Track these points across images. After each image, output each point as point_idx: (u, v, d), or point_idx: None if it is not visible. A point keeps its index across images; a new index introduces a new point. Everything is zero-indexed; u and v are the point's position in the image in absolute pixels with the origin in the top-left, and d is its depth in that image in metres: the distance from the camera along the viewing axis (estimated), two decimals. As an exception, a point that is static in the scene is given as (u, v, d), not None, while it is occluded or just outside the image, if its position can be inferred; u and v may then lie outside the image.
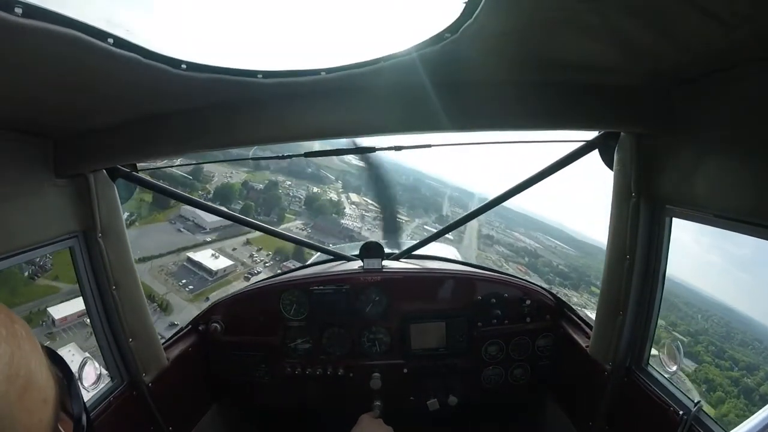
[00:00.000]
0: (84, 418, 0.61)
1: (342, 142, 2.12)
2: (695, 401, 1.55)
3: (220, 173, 39.00)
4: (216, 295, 14.74)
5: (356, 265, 2.59)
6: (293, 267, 2.94)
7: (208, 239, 33.51)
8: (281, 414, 2.84)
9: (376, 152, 2.13)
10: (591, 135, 1.85)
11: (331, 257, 2.87)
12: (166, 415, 2.04)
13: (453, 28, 1.06)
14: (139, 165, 1.97)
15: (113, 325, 1.83)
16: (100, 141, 1.59)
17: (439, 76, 1.38)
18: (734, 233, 1.32)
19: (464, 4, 0.95)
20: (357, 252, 2.60)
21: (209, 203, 2.72)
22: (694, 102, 1.37)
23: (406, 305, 2.45)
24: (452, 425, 2.75)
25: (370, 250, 2.55)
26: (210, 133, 1.56)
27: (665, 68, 1.30)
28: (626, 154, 1.65)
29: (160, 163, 2.30)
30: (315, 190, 42.81)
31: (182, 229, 33.43)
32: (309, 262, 3.14)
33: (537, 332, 2.45)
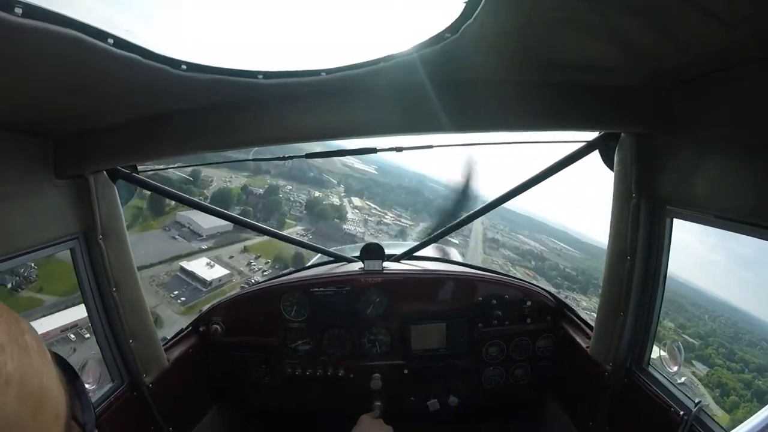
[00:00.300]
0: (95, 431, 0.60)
1: (343, 143, 2.12)
2: (696, 401, 1.55)
3: (219, 178, 37.98)
4: (209, 308, 14.60)
5: (357, 266, 2.59)
6: (293, 269, 2.94)
7: (204, 247, 32.08)
8: (281, 415, 2.84)
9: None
10: (591, 135, 1.85)
11: (332, 259, 2.87)
12: (167, 416, 2.04)
13: (453, 28, 1.06)
14: (140, 167, 1.97)
15: (114, 326, 1.83)
16: (100, 141, 1.58)
17: (440, 76, 1.38)
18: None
19: (464, 4, 0.96)
20: (357, 253, 2.61)
21: (211, 205, 2.72)
22: (694, 102, 1.37)
23: (406, 306, 2.45)
24: (453, 426, 2.74)
25: (371, 252, 2.55)
26: (210, 134, 1.56)
27: (665, 68, 1.30)
28: (626, 154, 1.65)
29: (160, 165, 2.29)
30: (317, 194, 42.11)
31: (177, 237, 31.97)
32: (309, 264, 3.14)
33: (537, 333, 2.45)
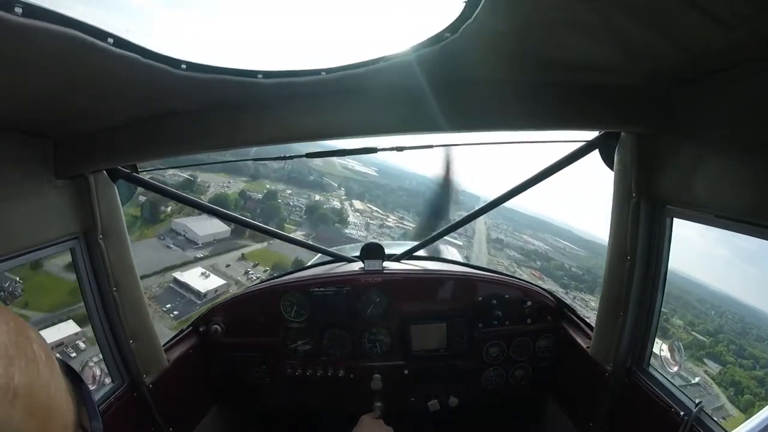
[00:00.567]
0: None
1: (343, 143, 2.12)
2: (696, 402, 1.55)
3: (216, 183, 36.61)
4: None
5: (357, 266, 2.59)
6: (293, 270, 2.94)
7: (200, 255, 30.05)
8: (282, 415, 2.84)
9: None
10: (591, 135, 1.85)
11: (332, 259, 2.87)
12: (167, 417, 2.04)
13: (453, 28, 1.06)
14: (140, 166, 1.97)
15: (114, 326, 1.83)
16: (100, 141, 1.58)
17: (440, 76, 1.38)
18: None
19: (464, 4, 0.95)
20: (357, 253, 2.60)
21: (211, 205, 2.72)
22: (694, 102, 1.37)
23: (406, 306, 2.45)
24: (453, 426, 2.74)
25: (371, 252, 2.55)
26: (210, 133, 1.56)
27: (665, 68, 1.30)
28: (626, 154, 1.65)
29: (160, 164, 2.29)
30: (317, 198, 41.01)
31: (172, 246, 29.85)
32: (309, 264, 3.14)
33: (538, 333, 2.45)
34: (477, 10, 0.95)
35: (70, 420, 0.53)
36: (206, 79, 1.24)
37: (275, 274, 2.77)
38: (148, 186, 2.04)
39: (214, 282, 27.47)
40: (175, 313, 25.28)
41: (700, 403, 1.54)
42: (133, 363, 1.88)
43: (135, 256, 1.88)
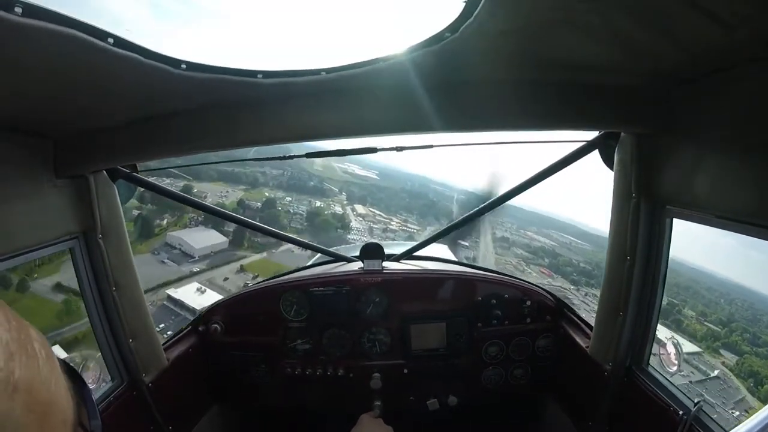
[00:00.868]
0: None
1: (343, 143, 2.11)
2: (695, 401, 1.55)
3: (214, 192, 35.38)
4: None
5: (356, 266, 2.59)
6: (294, 269, 2.94)
7: (196, 269, 28.60)
8: (281, 414, 2.84)
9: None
10: (591, 135, 1.85)
11: (332, 258, 2.87)
12: (166, 416, 2.04)
13: (453, 28, 1.06)
14: (139, 166, 1.97)
15: (113, 326, 1.83)
16: (100, 141, 1.58)
17: (440, 76, 1.38)
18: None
19: (464, 4, 0.95)
20: (357, 253, 2.61)
21: (212, 206, 2.72)
22: (694, 102, 1.37)
23: (406, 306, 2.45)
24: (452, 425, 2.75)
25: (371, 252, 2.56)
26: (210, 133, 1.56)
27: (665, 68, 1.30)
28: (626, 154, 1.65)
29: (159, 164, 2.29)
30: (318, 204, 39.96)
31: (166, 260, 28.43)
32: (309, 263, 3.14)
33: (537, 333, 2.45)
34: (477, 10, 0.95)
35: (70, 417, 0.53)
36: (206, 79, 1.24)
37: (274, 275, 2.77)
38: (147, 186, 2.04)
39: (211, 297, 24.92)
40: (169, 333, 24.17)
41: (699, 402, 1.54)
42: (133, 362, 1.88)
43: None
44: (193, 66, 1.18)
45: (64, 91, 1.19)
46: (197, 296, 25.55)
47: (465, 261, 3.67)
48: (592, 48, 1.19)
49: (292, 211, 37.89)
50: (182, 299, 24.33)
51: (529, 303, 2.44)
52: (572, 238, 39.01)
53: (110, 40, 0.96)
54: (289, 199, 39.30)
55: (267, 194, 38.54)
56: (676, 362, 1.74)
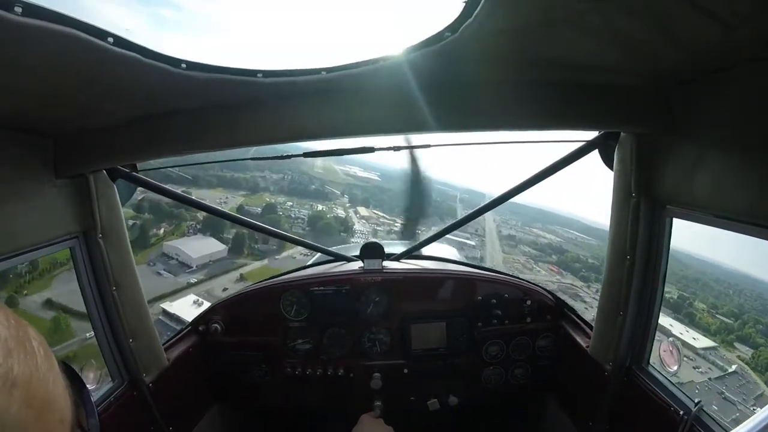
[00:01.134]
0: None
1: (343, 143, 2.11)
2: (695, 401, 1.55)
3: (213, 199, 34.03)
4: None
5: (356, 265, 2.59)
6: (293, 268, 2.94)
7: (193, 280, 27.31)
8: (281, 414, 2.84)
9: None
10: (591, 135, 1.86)
11: (332, 258, 2.87)
12: (167, 416, 2.04)
13: (453, 28, 1.06)
14: (139, 166, 1.96)
15: (114, 326, 1.83)
16: (100, 141, 1.58)
17: (439, 75, 1.38)
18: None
19: (464, 4, 0.95)
20: (357, 253, 2.61)
21: (213, 206, 2.71)
22: (694, 102, 1.38)
23: (406, 305, 2.45)
24: (453, 425, 2.75)
25: (371, 251, 2.55)
26: (210, 133, 1.56)
27: (665, 68, 1.30)
28: (626, 154, 1.65)
29: (159, 164, 2.28)
30: (320, 207, 39.13)
31: (162, 272, 27.12)
32: (309, 263, 3.14)
33: (537, 332, 2.46)
34: (477, 10, 0.95)
35: (67, 416, 0.54)
36: (206, 79, 1.24)
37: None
38: (147, 185, 2.04)
39: (208, 311, 24.93)
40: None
41: (699, 402, 1.54)
42: (133, 362, 1.88)
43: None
44: (192, 65, 1.17)
45: (64, 90, 1.18)
46: (194, 309, 23.20)
47: (467, 261, 3.66)
48: (592, 48, 1.19)
49: (293, 215, 37.16)
50: (178, 313, 22.74)
51: (529, 302, 2.44)
52: (577, 233, 38.79)
53: (110, 39, 0.95)
54: (290, 203, 38.54)
55: (267, 199, 37.63)
56: (677, 362, 1.74)
